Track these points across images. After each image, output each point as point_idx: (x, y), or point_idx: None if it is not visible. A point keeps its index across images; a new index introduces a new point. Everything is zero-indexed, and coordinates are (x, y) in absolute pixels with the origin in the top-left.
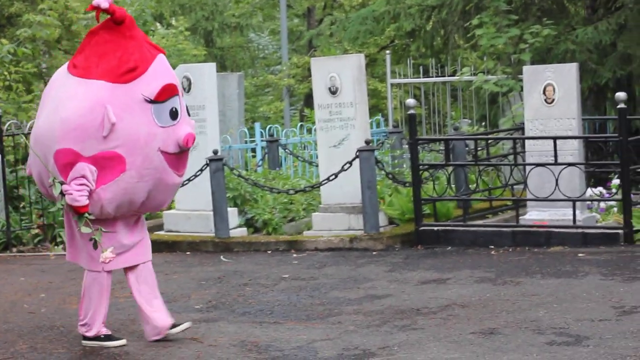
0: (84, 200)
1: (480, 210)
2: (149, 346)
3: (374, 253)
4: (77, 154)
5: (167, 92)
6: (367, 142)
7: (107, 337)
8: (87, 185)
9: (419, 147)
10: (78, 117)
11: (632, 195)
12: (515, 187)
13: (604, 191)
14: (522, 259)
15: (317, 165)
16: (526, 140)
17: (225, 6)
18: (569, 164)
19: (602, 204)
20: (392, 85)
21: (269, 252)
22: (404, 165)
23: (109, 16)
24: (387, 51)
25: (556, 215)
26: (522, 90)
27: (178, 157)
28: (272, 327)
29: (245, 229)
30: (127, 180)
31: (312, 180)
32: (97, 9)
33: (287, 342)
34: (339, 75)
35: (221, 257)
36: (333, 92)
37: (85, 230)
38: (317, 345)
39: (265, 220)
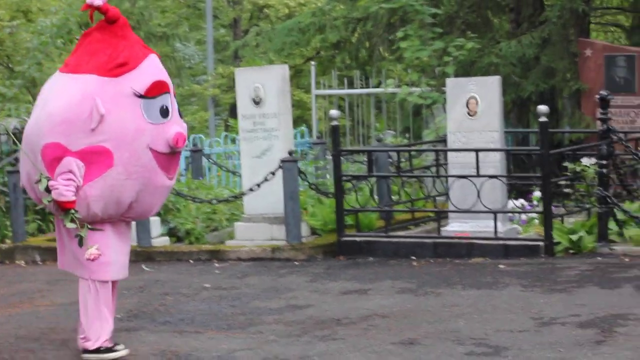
0: (70, 195)
1: (403, 221)
2: (71, 356)
3: (296, 263)
4: (64, 149)
5: (158, 88)
6: (290, 153)
7: (108, 350)
8: (74, 180)
9: (342, 158)
10: (65, 111)
11: (553, 208)
12: (437, 198)
13: (526, 203)
14: (443, 270)
15: (240, 176)
16: (449, 152)
17: (151, 15)
18: (491, 176)
19: (524, 216)
20: (317, 96)
21: (191, 261)
22: (328, 176)
23: (102, 16)
24: (313, 62)
25: (478, 227)
26: (445, 102)
27: (168, 158)
28: (192, 336)
29: (167, 238)
30: (114, 177)
31: (235, 190)
32: (91, 7)
33: (208, 352)
34: (263, 86)
35: (143, 266)
36: (257, 102)
37: (70, 225)
38: (237, 354)
39: (188, 230)
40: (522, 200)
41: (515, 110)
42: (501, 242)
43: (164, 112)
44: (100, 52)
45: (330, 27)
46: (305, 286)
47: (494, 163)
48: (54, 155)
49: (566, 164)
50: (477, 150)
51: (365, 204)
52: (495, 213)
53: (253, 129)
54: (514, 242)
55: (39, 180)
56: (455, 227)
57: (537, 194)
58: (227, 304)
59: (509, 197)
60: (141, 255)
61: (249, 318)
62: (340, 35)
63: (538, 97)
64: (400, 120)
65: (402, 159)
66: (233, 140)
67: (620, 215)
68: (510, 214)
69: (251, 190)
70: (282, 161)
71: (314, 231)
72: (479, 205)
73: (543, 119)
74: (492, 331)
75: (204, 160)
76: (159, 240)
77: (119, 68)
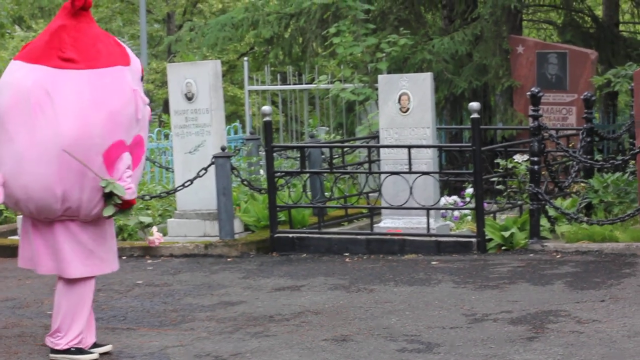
0: (136, 192)
1: (336, 217)
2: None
3: (229, 260)
4: (124, 145)
5: None
6: (223, 149)
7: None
8: (131, 175)
9: (275, 154)
10: (125, 106)
11: (485, 204)
12: (370, 195)
13: (458, 200)
14: (376, 266)
15: (173, 171)
16: (381, 149)
17: None
18: (423, 173)
19: (456, 213)
20: (250, 92)
21: (124, 257)
22: (261, 172)
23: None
24: (245, 58)
25: (410, 223)
26: (378, 99)
27: None
28: (124, 333)
29: None
30: (143, 162)
31: (168, 186)
32: None
33: (139, 349)
34: (195, 82)
35: None
36: (189, 98)
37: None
38: (169, 351)
39: (121, 226)
40: (454, 197)
41: (448, 106)
42: (434, 238)
43: None
44: (100, 42)
45: (264, 22)
46: (238, 283)
47: (427, 160)
48: (118, 153)
49: (498, 160)
50: (409, 147)
51: (298, 200)
52: (427, 209)
53: (185, 125)
54: (446, 238)
55: (112, 186)
56: (388, 223)
57: (469, 190)
58: (159, 300)
59: (442, 194)
60: None
61: (181, 315)
62: (274, 30)
63: (471, 93)
64: (334, 116)
65: (335, 155)
66: (166, 136)
67: (552, 212)
68: (442, 211)
69: (183, 186)
70: (215, 157)
71: (247, 227)
72: (412, 202)
73: (475, 115)
74: (424, 328)
75: None
76: None
77: (126, 55)
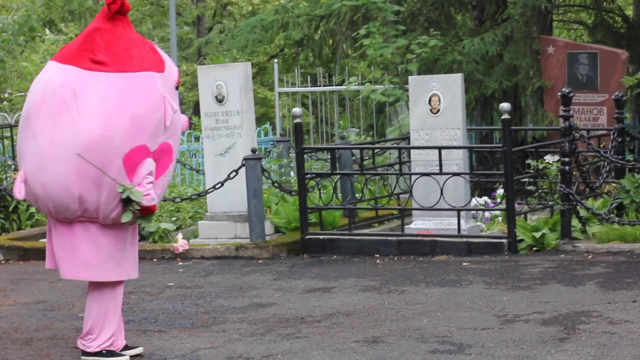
0: (156, 199)
1: (366, 219)
2: (34, 355)
3: (260, 261)
4: (147, 151)
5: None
6: (254, 151)
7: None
8: (153, 183)
9: (306, 155)
10: (152, 112)
11: (516, 205)
12: (401, 196)
13: (489, 201)
14: (406, 267)
15: (204, 174)
16: (412, 150)
17: None
18: (454, 174)
19: (487, 214)
20: (280, 94)
21: (155, 260)
22: (291, 174)
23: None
24: (275, 60)
25: (441, 224)
26: (408, 100)
27: None
28: (156, 335)
29: None
30: (170, 171)
31: (199, 188)
32: None
33: (171, 351)
34: (226, 84)
35: None
36: (220, 100)
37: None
38: (200, 353)
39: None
40: (485, 198)
41: (479, 107)
42: (464, 239)
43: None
44: (134, 47)
45: (293, 24)
46: (269, 284)
47: (457, 160)
48: (140, 159)
49: (529, 161)
50: (440, 148)
51: (328, 202)
52: (458, 210)
53: (216, 127)
54: (477, 239)
55: (130, 191)
56: (418, 224)
57: (500, 191)
58: (190, 302)
59: (473, 195)
60: None
61: (212, 317)
62: (303, 32)
63: (501, 94)
64: (364, 117)
65: (366, 157)
66: (197, 138)
67: (583, 213)
68: (473, 212)
69: (214, 188)
70: (245, 159)
71: (277, 229)
72: (442, 203)
73: (506, 116)
74: (455, 329)
75: None
76: None
77: (161, 62)
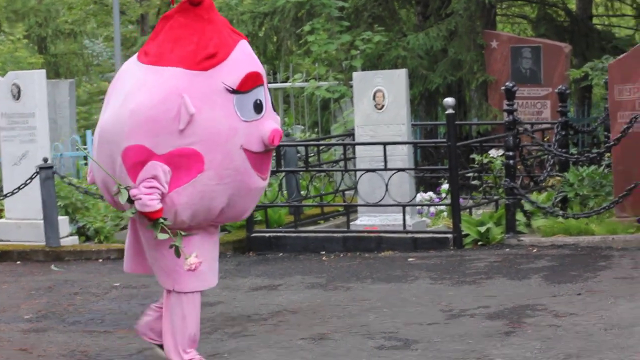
0: (155, 205)
1: (312, 216)
2: None
3: None
4: (149, 152)
5: (252, 81)
6: None
7: None
8: (158, 188)
9: None
10: (149, 109)
11: (461, 200)
12: (346, 192)
13: (434, 196)
14: (353, 264)
15: None
16: (357, 146)
17: (58, 12)
18: (399, 170)
19: (432, 209)
20: None
21: (101, 260)
22: None
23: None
24: None
25: (387, 220)
26: (353, 96)
27: (262, 156)
28: (102, 336)
29: (76, 237)
30: (205, 182)
31: None
32: None
33: (117, 351)
34: None
35: (52, 266)
36: None
37: (162, 236)
38: (147, 353)
39: (97, 229)
40: (430, 193)
41: (424, 102)
42: (410, 235)
43: (258, 107)
44: (185, 40)
45: (237, 21)
46: None
47: (402, 156)
48: (137, 159)
49: (474, 155)
50: (384, 144)
51: (274, 200)
52: (403, 206)
53: None
54: (422, 235)
55: (118, 192)
56: (364, 221)
57: (445, 186)
58: (137, 302)
59: (418, 190)
60: (50, 255)
61: None
62: (248, 29)
63: (446, 89)
64: (309, 114)
65: (311, 154)
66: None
67: (527, 206)
68: (418, 207)
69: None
70: None
71: (223, 228)
72: (388, 199)
73: (450, 111)
74: (402, 324)
75: None
76: (68, 239)
77: (208, 60)
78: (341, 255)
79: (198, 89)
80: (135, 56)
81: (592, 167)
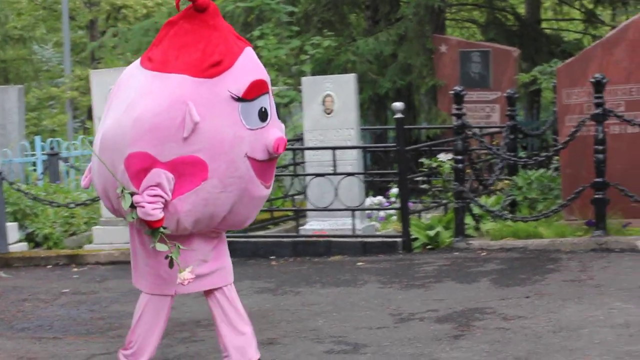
0: (158, 214)
1: (262, 221)
2: None
3: None
4: (153, 159)
5: (257, 89)
6: None
7: None
8: (162, 196)
9: None
10: (154, 116)
11: (410, 204)
12: (296, 197)
13: (383, 200)
14: (302, 268)
15: None
16: (306, 151)
17: (7, 18)
18: (348, 174)
19: (382, 213)
20: None
21: (49, 266)
22: None
23: (189, 4)
24: None
25: (336, 224)
26: (302, 101)
27: (266, 165)
28: (51, 342)
29: (25, 243)
30: (208, 190)
31: (93, 193)
32: None
33: (66, 357)
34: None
35: (0, 272)
36: None
37: (160, 247)
38: (96, 359)
39: (46, 235)
40: (379, 197)
41: (373, 107)
42: (359, 239)
43: (263, 115)
44: (191, 47)
45: None
46: None
47: (351, 161)
48: (140, 166)
49: (423, 160)
50: (333, 148)
51: None
52: (353, 210)
53: None
54: (372, 239)
55: (121, 196)
56: (313, 225)
57: (394, 190)
58: (86, 308)
59: (367, 194)
60: None
61: (108, 322)
62: None
63: (395, 93)
64: None
65: None
66: (91, 143)
67: (476, 210)
68: (368, 211)
69: None
70: None
71: None
72: (337, 203)
73: (399, 115)
74: (351, 328)
75: (62, 164)
76: (17, 246)
77: (214, 67)
78: (290, 260)
79: (203, 97)
80: (137, 62)
81: (541, 171)
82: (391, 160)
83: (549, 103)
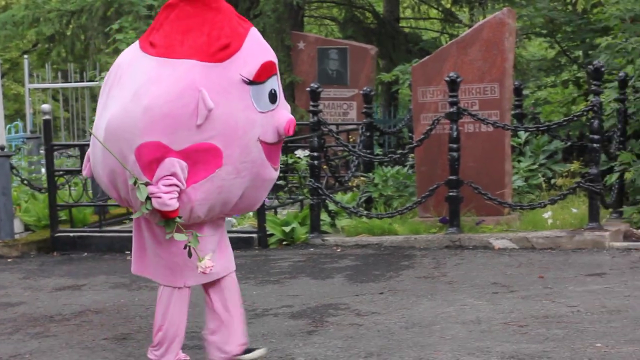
0: (174, 204)
1: (118, 215)
2: None
3: (9, 260)
4: (166, 148)
5: (267, 71)
6: (2, 148)
7: None
8: (177, 186)
9: (56, 153)
10: (165, 104)
11: (266, 200)
12: None
13: None
14: None
15: None
16: None
17: None
18: None
19: None
20: (33, 90)
21: None
22: (42, 171)
23: None
24: (26, 56)
25: None
26: None
27: (274, 147)
28: None
29: None
30: (223, 177)
31: None
32: None
33: None
34: None
35: None
36: None
37: (179, 237)
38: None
39: None
40: None
41: None
42: None
43: (273, 97)
44: (196, 31)
45: (45, 20)
46: (18, 283)
47: None
48: (153, 156)
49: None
50: None
51: (79, 199)
52: None
53: None
54: (228, 234)
55: (135, 187)
56: None
57: None
58: None
59: None
60: None
61: None
62: (55, 28)
63: None
64: None
65: None
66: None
67: (332, 207)
68: None
69: None
70: None
71: (27, 227)
72: None
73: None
74: (204, 324)
75: None
76: None
77: (222, 51)
78: None
79: (215, 82)
80: (136, 46)
81: (397, 168)
82: None
83: (406, 101)
